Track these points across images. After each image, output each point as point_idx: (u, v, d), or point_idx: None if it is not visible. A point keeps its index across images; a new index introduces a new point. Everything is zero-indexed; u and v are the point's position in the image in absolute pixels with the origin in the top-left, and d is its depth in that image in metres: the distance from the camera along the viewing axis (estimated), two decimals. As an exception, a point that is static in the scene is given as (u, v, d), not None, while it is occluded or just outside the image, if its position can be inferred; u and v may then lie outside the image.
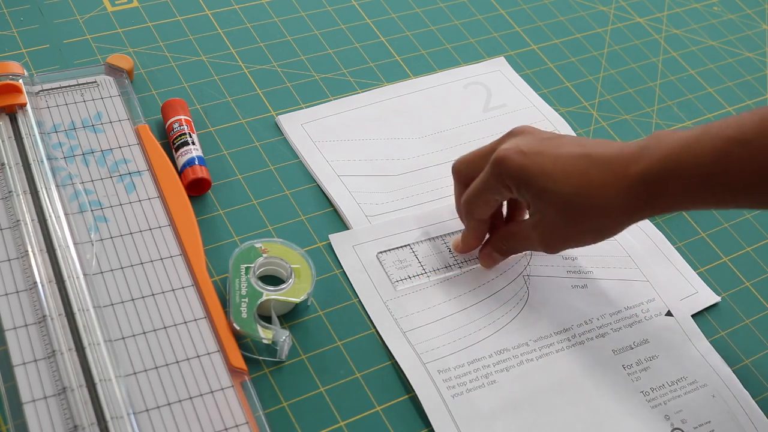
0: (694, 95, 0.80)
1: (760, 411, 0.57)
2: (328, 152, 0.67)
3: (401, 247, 0.62)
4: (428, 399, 0.54)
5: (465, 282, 0.61)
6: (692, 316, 0.62)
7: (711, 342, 0.61)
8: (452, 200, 0.63)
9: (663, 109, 0.77)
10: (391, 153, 0.68)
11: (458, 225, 0.63)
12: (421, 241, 0.62)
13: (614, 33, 0.84)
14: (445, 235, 0.63)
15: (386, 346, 0.57)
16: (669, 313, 0.62)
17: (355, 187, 0.65)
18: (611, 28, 0.84)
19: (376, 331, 0.57)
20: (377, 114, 0.70)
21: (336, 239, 0.61)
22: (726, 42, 0.86)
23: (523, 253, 0.62)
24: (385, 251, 0.61)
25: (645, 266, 0.64)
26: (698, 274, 0.65)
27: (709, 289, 0.64)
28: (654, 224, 0.67)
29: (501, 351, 0.57)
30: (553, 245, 0.57)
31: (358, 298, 0.59)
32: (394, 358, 0.56)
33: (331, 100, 0.71)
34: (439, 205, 0.65)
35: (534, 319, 0.59)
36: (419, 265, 0.61)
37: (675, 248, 0.66)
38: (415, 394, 0.54)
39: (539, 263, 0.62)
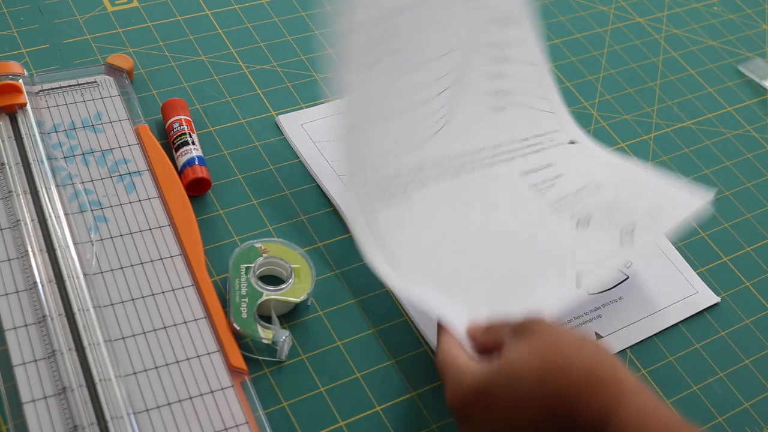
0: (694, 95, 0.80)
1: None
2: (328, 152, 0.67)
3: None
4: (350, 210, 0.57)
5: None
6: (692, 316, 0.62)
7: (711, 342, 0.61)
8: None
9: (663, 109, 0.77)
10: None
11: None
12: None
13: (614, 33, 0.84)
14: None
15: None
16: (572, 142, 0.68)
17: None
18: (611, 28, 0.84)
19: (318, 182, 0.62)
20: None
21: (284, 119, 0.67)
22: (726, 42, 0.86)
23: (452, 66, 0.64)
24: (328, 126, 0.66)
25: (646, 264, 0.64)
26: (698, 274, 0.65)
27: (709, 289, 0.64)
28: (654, 224, 0.67)
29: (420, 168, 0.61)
30: None
31: (358, 298, 0.59)
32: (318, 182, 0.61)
33: (331, 101, 0.71)
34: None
35: (454, 137, 0.63)
36: None
37: (675, 248, 0.66)
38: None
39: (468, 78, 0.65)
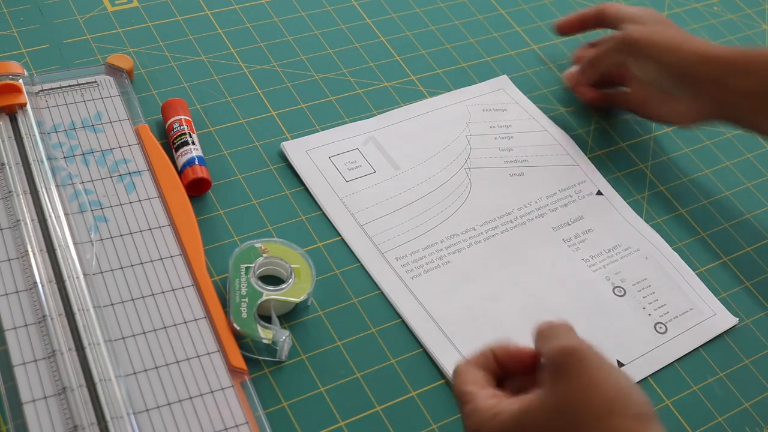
0: (694, 95, 0.79)
1: (683, 262, 0.65)
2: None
3: (351, 150, 0.67)
4: (390, 284, 0.60)
5: (411, 178, 0.66)
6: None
7: (710, 343, 0.61)
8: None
9: (663, 109, 0.77)
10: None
11: (400, 131, 0.69)
12: (368, 144, 0.67)
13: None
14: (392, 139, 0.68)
15: (345, 240, 0.61)
16: (599, 192, 0.69)
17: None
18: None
19: (326, 214, 0.62)
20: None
21: (289, 146, 0.66)
22: (726, 42, 0.86)
23: (463, 148, 0.69)
24: (336, 155, 0.66)
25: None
26: (698, 274, 0.65)
27: (709, 290, 0.64)
28: (652, 225, 0.67)
29: (451, 236, 0.63)
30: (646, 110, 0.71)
31: (358, 298, 0.59)
32: (346, 240, 0.61)
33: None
34: (376, 123, 0.69)
35: (478, 207, 0.65)
36: (369, 165, 0.66)
37: (674, 248, 0.66)
38: (379, 285, 0.60)
39: (479, 156, 0.69)
